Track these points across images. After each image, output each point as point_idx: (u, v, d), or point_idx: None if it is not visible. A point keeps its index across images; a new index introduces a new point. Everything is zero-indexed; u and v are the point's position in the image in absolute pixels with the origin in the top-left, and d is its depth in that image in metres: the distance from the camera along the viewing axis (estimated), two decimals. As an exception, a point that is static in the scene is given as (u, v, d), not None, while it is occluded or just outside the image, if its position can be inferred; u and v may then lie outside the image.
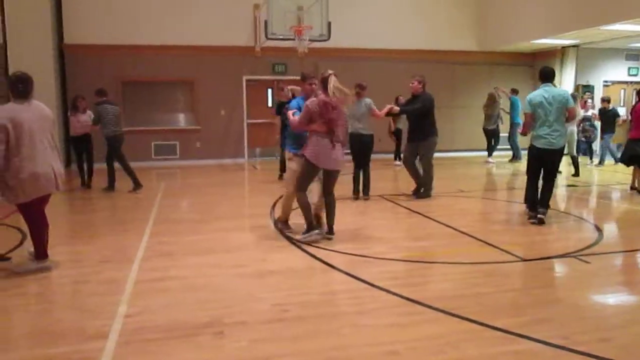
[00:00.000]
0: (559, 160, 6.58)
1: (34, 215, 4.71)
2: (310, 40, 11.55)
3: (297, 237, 5.74)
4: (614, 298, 4.23)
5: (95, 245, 5.62)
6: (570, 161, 10.97)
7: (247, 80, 13.89)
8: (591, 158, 12.72)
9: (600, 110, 12.46)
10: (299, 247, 5.49)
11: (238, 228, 6.63)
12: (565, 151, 7.75)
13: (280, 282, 4.48)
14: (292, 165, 5.97)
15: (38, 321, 3.73)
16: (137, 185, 9.03)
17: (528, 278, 4.78)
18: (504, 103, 13.57)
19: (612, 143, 12.64)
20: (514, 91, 13.58)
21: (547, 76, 6.51)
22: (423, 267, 4.91)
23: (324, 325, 3.56)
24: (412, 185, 8.49)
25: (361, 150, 7.97)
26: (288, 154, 6.18)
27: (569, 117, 6.42)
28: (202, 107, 13.73)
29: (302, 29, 11.33)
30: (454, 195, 8.67)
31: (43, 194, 4.69)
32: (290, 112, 5.77)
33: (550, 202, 6.68)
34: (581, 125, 12.25)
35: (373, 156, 8.25)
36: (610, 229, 6.72)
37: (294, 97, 9.78)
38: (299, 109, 5.75)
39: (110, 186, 9.09)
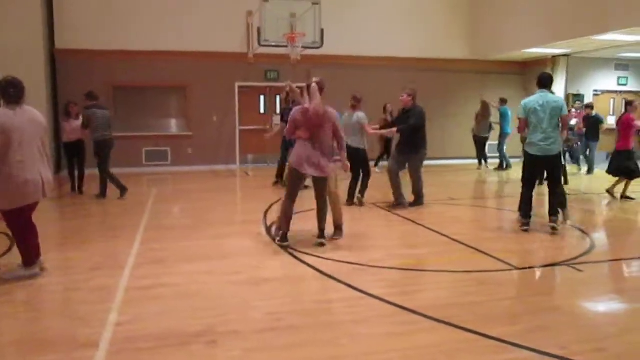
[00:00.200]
0: (558, 166, 6.51)
1: (20, 223, 4.62)
2: (303, 47, 11.54)
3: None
4: (608, 307, 4.24)
5: (86, 252, 5.55)
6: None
7: (240, 87, 13.85)
8: (579, 165, 12.80)
9: (583, 117, 12.57)
10: (292, 254, 5.45)
11: (231, 235, 6.57)
12: None
13: (274, 290, 4.44)
14: None
15: (27, 329, 3.67)
16: (122, 190, 8.91)
17: (522, 286, 4.78)
18: (493, 114, 13.64)
19: (600, 151, 12.76)
20: (503, 101, 13.64)
21: (544, 82, 6.48)
22: (417, 275, 4.90)
23: (319, 334, 3.53)
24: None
25: (352, 162, 7.96)
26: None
27: (562, 125, 6.40)
28: (194, 113, 13.67)
29: (295, 36, 11.32)
30: (445, 203, 8.68)
31: (29, 202, 4.61)
32: None
33: (539, 210, 6.70)
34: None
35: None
36: (601, 237, 6.75)
37: (288, 95, 9.82)
38: None
39: (102, 193, 8.97)
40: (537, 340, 3.38)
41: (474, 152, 14.00)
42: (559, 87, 14.61)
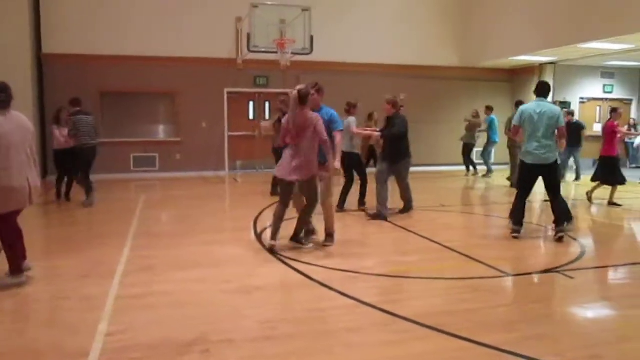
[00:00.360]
0: (555, 174, 6.44)
1: (5, 230, 4.53)
2: (292, 53, 11.56)
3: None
4: (601, 313, 4.25)
5: (74, 260, 5.45)
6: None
7: (229, 93, 13.81)
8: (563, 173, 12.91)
9: (565, 123, 12.67)
10: (283, 262, 5.41)
11: (221, 242, 6.51)
12: None
13: (267, 298, 4.39)
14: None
15: (14, 340, 3.56)
16: (89, 196, 8.78)
17: (515, 293, 4.78)
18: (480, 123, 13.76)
19: (587, 158, 12.90)
20: (489, 109, 13.72)
21: (542, 91, 6.47)
22: (410, 282, 4.87)
23: (313, 343, 3.48)
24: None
25: (346, 166, 7.99)
26: None
27: (559, 135, 6.38)
28: (183, 119, 13.58)
29: (284, 42, 11.33)
30: (435, 210, 8.69)
31: (16, 209, 4.52)
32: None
33: (530, 217, 6.71)
34: None
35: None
36: (591, 243, 6.78)
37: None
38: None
39: (89, 199, 8.84)
40: (533, 348, 3.37)
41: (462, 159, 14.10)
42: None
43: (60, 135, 9.23)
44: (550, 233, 6.72)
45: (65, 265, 5.27)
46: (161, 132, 13.92)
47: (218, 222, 8.03)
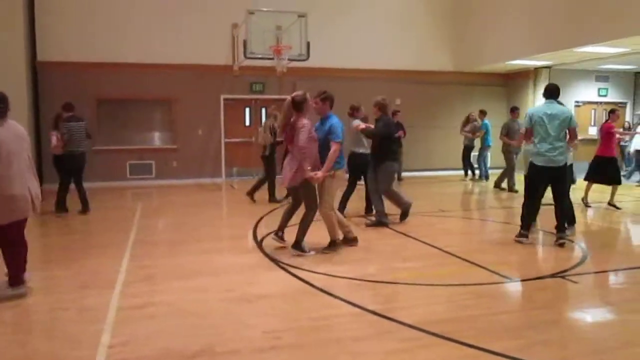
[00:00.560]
0: (564, 178, 6.38)
1: (9, 239, 4.49)
2: (289, 59, 11.54)
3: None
4: (606, 318, 4.23)
5: (73, 270, 5.39)
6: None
7: (225, 99, 13.77)
8: None
9: None
10: (285, 269, 5.37)
11: (220, 250, 6.47)
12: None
13: (270, 307, 4.35)
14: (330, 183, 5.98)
15: (14, 352, 3.51)
16: (58, 209, 8.62)
17: (519, 299, 4.76)
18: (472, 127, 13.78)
19: (582, 161, 12.90)
20: (483, 113, 13.74)
21: (552, 93, 6.42)
22: (414, 289, 4.84)
23: (320, 353, 3.45)
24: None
25: (352, 168, 8.07)
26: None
27: (570, 137, 6.31)
28: (179, 126, 13.53)
29: (281, 48, 11.30)
30: (435, 215, 8.67)
31: (19, 218, 4.48)
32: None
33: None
34: None
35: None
36: (592, 247, 6.73)
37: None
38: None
39: (85, 208, 8.77)
40: (540, 354, 3.35)
41: (459, 164, 14.11)
42: (541, 99, 14.79)
43: (58, 142, 9.15)
44: (554, 239, 6.70)
45: (64, 276, 5.22)
46: (157, 139, 13.85)
47: (216, 229, 7.98)
